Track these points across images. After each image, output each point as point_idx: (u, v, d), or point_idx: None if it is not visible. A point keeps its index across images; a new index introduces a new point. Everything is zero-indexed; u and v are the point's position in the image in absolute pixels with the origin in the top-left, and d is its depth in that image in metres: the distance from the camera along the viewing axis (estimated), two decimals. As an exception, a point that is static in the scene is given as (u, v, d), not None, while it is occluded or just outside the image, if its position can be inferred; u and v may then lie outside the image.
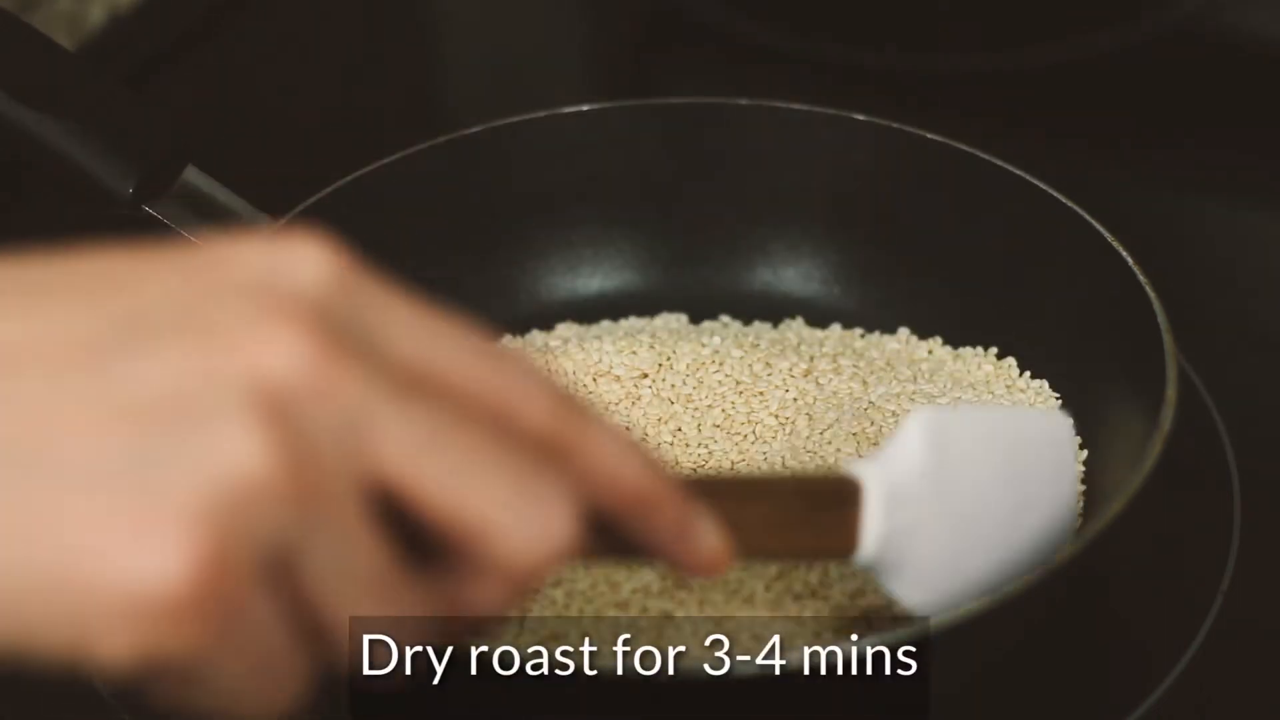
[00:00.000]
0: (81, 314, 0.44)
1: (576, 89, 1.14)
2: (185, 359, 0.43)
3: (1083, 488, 0.75)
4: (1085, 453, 0.76)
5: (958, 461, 0.63)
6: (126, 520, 0.41)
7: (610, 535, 0.51)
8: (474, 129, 0.84)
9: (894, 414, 0.77)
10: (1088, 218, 0.77)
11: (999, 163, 0.81)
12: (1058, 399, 0.79)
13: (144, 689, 0.44)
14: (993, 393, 0.80)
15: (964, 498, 0.63)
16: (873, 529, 0.60)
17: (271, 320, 0.44)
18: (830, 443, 0.76)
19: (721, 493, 0.56)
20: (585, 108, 0.86)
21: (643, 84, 1.14)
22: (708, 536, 0.52)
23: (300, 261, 0.45)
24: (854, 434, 0.76)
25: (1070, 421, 0.69)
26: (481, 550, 0.45)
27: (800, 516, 0.59)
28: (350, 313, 0.45)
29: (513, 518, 0.45)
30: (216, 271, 0.45)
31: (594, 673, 0.60)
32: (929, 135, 0.82)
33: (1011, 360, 0.82)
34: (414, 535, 0.46)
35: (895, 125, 0.83)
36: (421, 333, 0.46)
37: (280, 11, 1.15)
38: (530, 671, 0.60)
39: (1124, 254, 0.75)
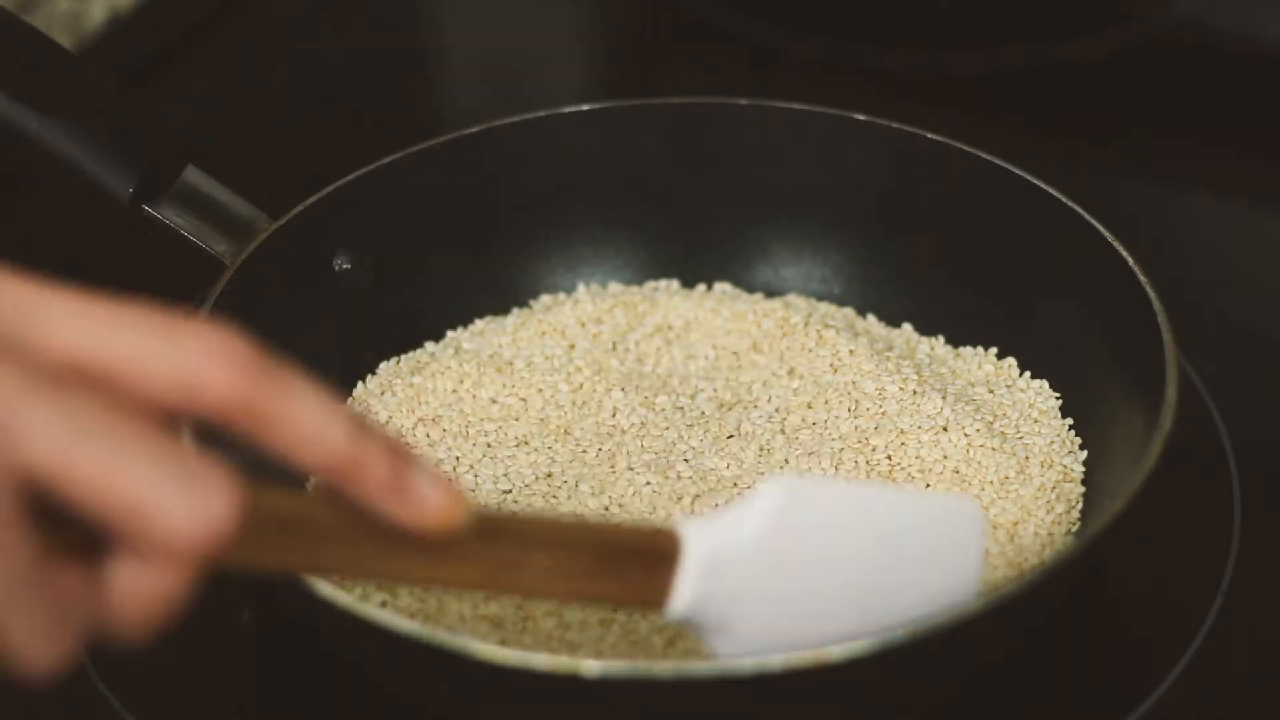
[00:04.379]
0: None
1: (576, 89, 1.14)
2: None
3: (1082, 489, 0.75)
4: (1085, 453, 0.76)
5: (815, 537, 0.60)
6: None
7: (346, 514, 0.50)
8: (474, 129, 0.84)
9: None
10: (1088, 218, 0.77)
11: (999, 162, 0.81)
12: (1057, 398, 0.79)
13: None
14: (993, 391, 0.80)
15: (818, 575, 0.61)
16: (686, 588, 0.58)
17: None
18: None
19: (506, 530, 0.55)
20: (585, 108, 0.86)
21: (643, 84, 1.14)
22: (426, 490, 0.51)
23: None
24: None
25: (978, 507, 0.65)
26: (136, 529, 0.45)
27: (596, 569, 0.57)
28: None
29: (167, 496, 0.45)
30: None
31: (595, 673, 0.60)
32: (929, 135, 0.82)
33: (1011, 360, 0.82)
34: (80, 528, 0.46)
35: (895, 125, 0.83)
36: (79, 322, 0.46)
37: (280, 11, 1.15)
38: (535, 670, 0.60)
39: (1124, 254, 0.75)
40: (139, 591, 0.47)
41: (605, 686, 0.60)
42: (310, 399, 0.48)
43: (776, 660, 0.60)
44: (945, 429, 0.76)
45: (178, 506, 0.45)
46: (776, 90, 0.87)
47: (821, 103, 0.85)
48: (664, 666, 0.60)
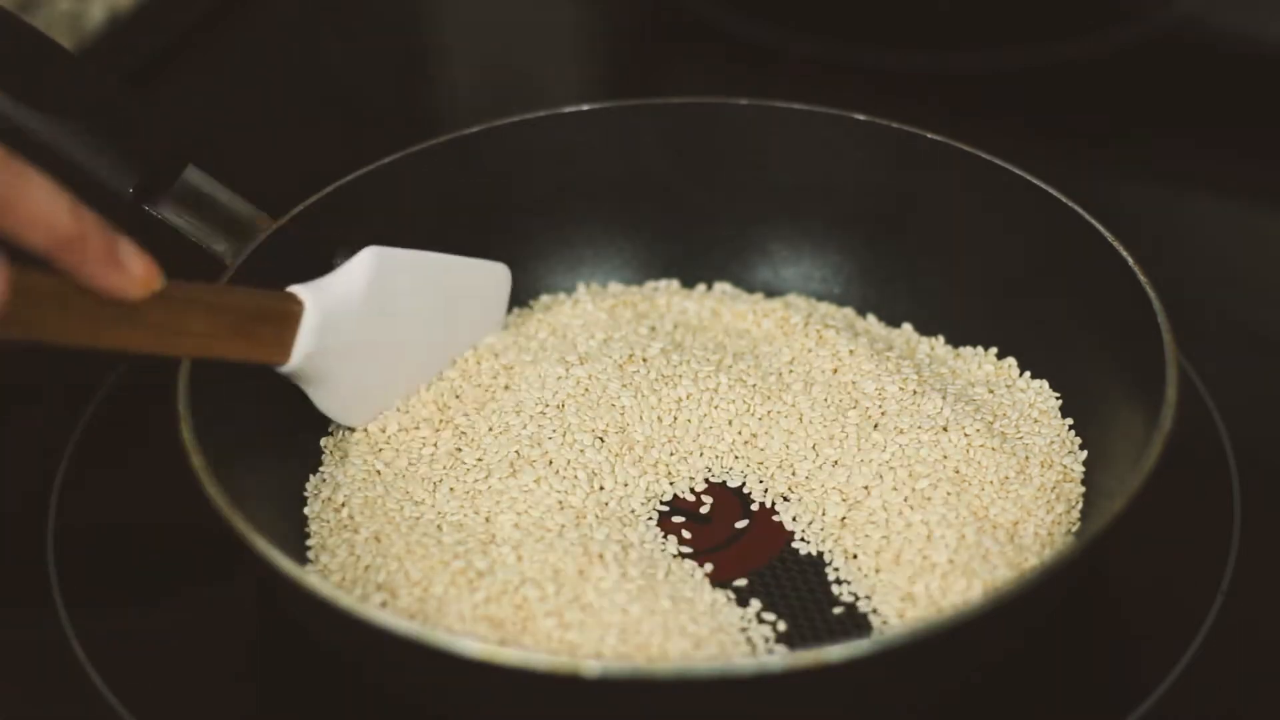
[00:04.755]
0: None
1: (576, 89, 1.14)
2: None
3: (1082, 489, 0.75)
4: (1085, 453, 0.76)
5: (398, 295, 0.74)
6: None
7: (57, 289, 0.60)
8: (474, 129, 0.84)
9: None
10: (1088, 217, 0.77)
11: (999, 163, 0.81)
12: (1057, 398, 0.79)
13: None
14: (993, 391, 0.80)
15: (398, 327, 0.75)
16: (302, 346, 0.71)
17: None
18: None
19: (174, 297, 0.65)
20: (585, 108, 0.86)
21: (643, 84, 1.14)
22: (132, 260, 0.61)
23: None
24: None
25: (506, 269, 0.82)
26: None
27: (240, 329, 0.69)
28: None
29: None
30: None
31: (595, 673, 0.60)
32: (929, 135, 0.82)
33: (1012, 360, 0.82)
34: None
35: (895, 125, 0.83)
36: None
37: (280, 12, 1.15)
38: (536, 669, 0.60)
39: (1124, 254, 0.75)
40: None
41: (605, 686, 0.60)
42: (39, 185, 0.57)
43: (776, 660, 0.60)
44: (945, 429, 0.76)
45: None
46: (776, 90, 0.87)
47: (821, 103, 0.85)
48: (664, 666, 0.60)
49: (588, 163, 0.86)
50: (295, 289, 0.71)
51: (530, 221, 0.86)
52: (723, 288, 0.87)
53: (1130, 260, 0.74)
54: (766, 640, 0.69)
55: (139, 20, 1.09)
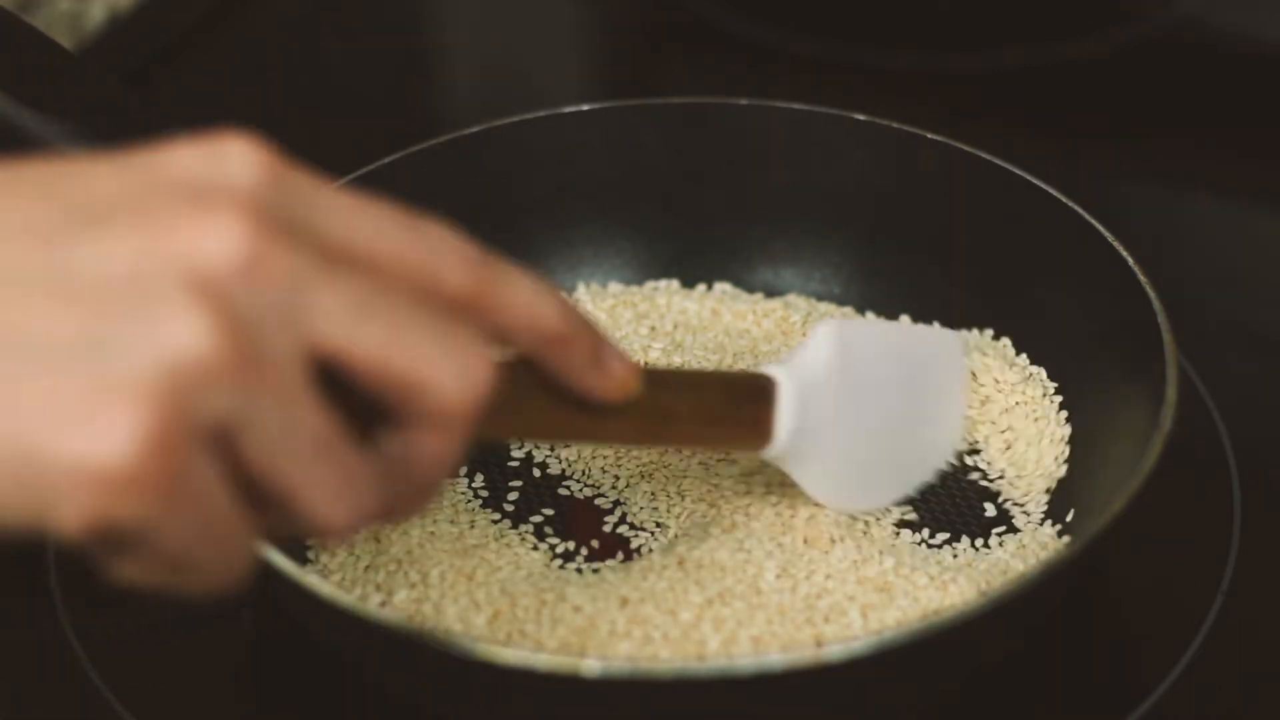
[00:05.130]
0: (37, 206, 0.48)
1: (576, 89, 1.14)
2: (130, 244, 0.47)
3: (1081, 488, 0.75)
4: (1084, 452, 0.76)
5: (862, 368, 0.70)
6: (81, 398, 0.45)
7: (535, 386, 0.58)
8: (474, 129, 0.84)
9: None
10: (1088, 217, 0.77)
11: (999, 162, 0.81)
12: (1059, 398, 0.79)
13: (101, 560, 0.48)
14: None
15: (866, 402, 0.70)
16: (785, 424, 0.67)
17: (206, 208, 0.48)
18: None
19: (656, 382, 0.62)
20: (585, 108, 0.86)
21: (643, 84, 1.14)
22: (616, 361, 0.59)
23: (231, 155, 0.49)
24: None
25: (963, 337, 0.78)
26: (416, 398, 0.50)
27: (723, 410, 0.66)
28: (279, 199, 0.49)
29: (440, 365, 0.50)
30: (155, 169, 0.49)
31: (595, 673, 0.60)
32: (929, 135, 0.82)
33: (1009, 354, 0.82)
34: (357, 407, 0.50)
35: (895, 125, 0.83)
36: (346, 213, 0.51)
37: (280, 12, 1.15)
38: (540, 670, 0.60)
39: (1124, 254, 0.75)
40: (418, 457, 0.52)
41: (605, 686, 0.60)
42: (527, 285, 0.54)
43: (776, 660, 0.60)
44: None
45: (451, 376, 0.50)
46: (776, 90, 0.87)
47: (821, 103, 0.85)
48: (664, 666, 0.60)
49: (588, 163, 0.86)
50: (765, 368, 0.68)
51: (530, 221, 0.86)
52: (723, 288, 0.87)
53: (1130, 260, 0.74)
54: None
55: (139, 20, 1.09)
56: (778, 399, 0.67)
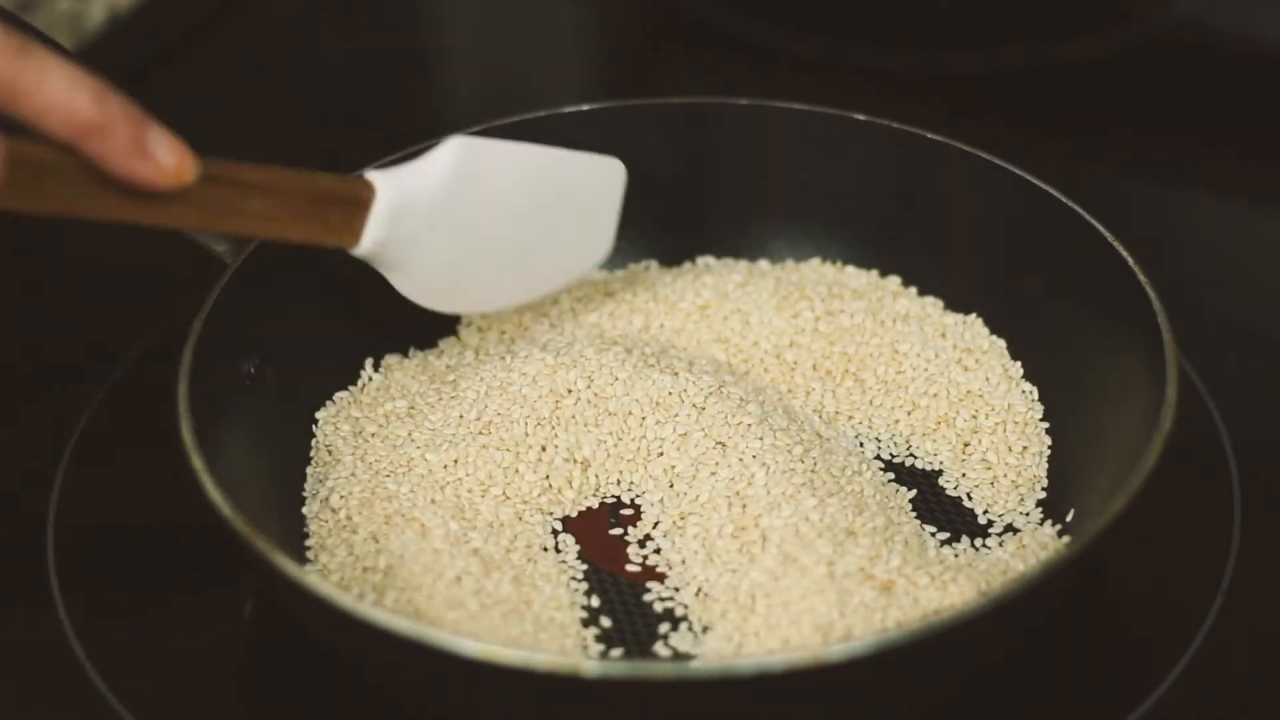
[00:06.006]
0: None
1: (576, 89, 1.14)
2: None
3: (1081, 487, 0.75)
4: (1084, 452, 0.76)
5: (486, 184, 0.72)
6: None
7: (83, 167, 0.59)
8: (474, 129, 0.84)
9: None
10: (1088, 217, 0.77)
11: (999, 162, 0.81)
12: (1041, 406, 0.79)
13: None
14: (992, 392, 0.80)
15: (484, 216, 0.73)
16: (373, 232, 0.70)
17: None
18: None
19: (228, 179, 0.64)
20: (585, 108, 0.86)
21: (643, 84, 1.14)
22: (161, 149, 0.60)
23: None
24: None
25: (619, 163, 0.79)
26: None
27: (303, 211, 0.68)
28: None
29: None
30: None
31: (595, 673, 0.60)
32: (929, 135, 0.82)
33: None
34: None
35: (895, 125, 0.83)
36: None
37: (280, 12, 1.15)
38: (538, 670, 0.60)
39: (1124, 254, 0.74)
40: None
41: (605, 686, 0.60)
42: (64, 74, 0.57)
43: (777, 660, 0.60)
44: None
45: None
46: (776, 90, 0.87)
47: (821, 103, 0.85)
48: (664, 666, 0.60)
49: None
50: (370, 174, 0.71)
51: (530, 221, 0.86)
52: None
53: (1130, 260, 0.74)
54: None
55: (139, 20, 1.09)
56: (371, 208, 0.70)
